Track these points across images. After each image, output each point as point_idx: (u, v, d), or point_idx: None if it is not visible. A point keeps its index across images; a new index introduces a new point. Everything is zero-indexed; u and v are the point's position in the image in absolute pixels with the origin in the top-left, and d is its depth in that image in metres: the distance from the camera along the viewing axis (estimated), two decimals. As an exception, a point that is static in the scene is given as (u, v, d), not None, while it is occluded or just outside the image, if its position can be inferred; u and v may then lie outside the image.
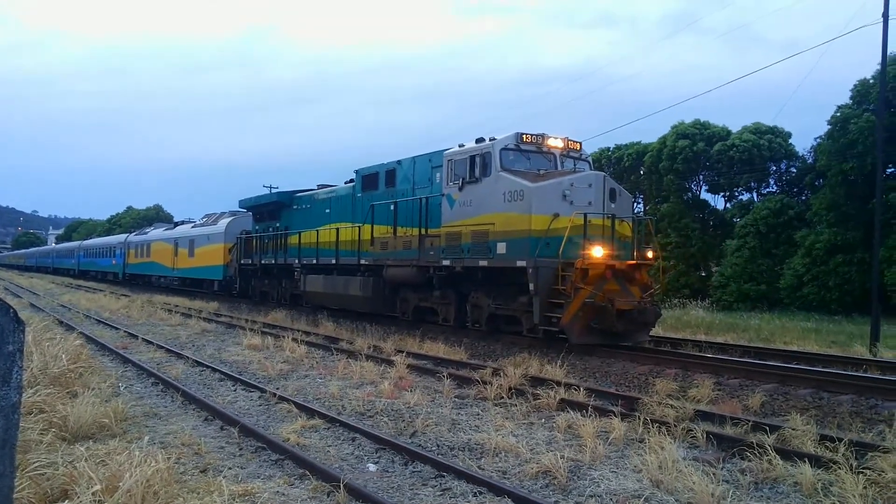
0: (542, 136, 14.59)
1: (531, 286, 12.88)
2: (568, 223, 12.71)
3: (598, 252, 12.96)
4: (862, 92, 27.48)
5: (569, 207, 13.09)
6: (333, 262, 19.88)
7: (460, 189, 14.83)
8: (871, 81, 27.06)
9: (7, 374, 2.71)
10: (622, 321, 12.67)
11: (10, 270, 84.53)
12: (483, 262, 14.12)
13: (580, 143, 15.21)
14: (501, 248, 13.75)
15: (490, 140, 14.37)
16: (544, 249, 12.91)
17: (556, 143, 14.70)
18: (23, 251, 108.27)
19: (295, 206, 23.79)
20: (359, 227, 18.59)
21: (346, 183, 20.84)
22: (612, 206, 13.62)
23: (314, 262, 21.12)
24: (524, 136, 14.35)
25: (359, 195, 19.25)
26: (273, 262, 24.31)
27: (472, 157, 14.60)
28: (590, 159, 15.68)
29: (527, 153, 14.41)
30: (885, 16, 16.44)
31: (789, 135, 35.11)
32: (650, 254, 14.00)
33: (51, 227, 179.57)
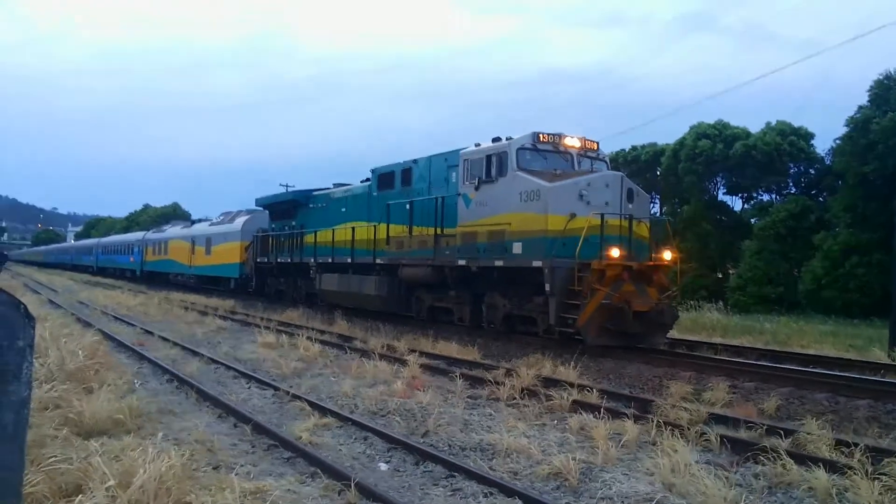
0: (559, 135, 14.52)
1: (547, 286, 12.84)
2: (585, 223, 12.65)
3: (615, 253, 12.87)
4: (880, 93, 27.05)
5: (585, 208, 13.03)
6: (349, 261, 19.93)
7: (476, 189, 14.81)
8: (885, 82, 26.66)
9: (17, 370, 2.73)
10: (639, 323, 12.61)
11: (30, 267, 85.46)
12: (499, 262, 14.09)
13: (597, 143, 15.12)
14: (517, 248, 13.71)
15: (507, 139, 14.33)
16: (560, 250, 12.85)
17: (572, 142, 14.62)
18: (42, 248, 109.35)
19: (311, 205, 23.87)
20: (374, 226, 18.63)
21: (361, 182, 20.88)
22: (630, 206, 13.52)
23: (330, 260, 21.18)
24: (541, 135, 14.30)
25: (375, 194, 19.28)
26: (289, 260, 24.40)
27: (489, 157, 14.57)
28: (607, 159, 15.60)
29: (543, 153, 14.36)
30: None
31: (812, 136, 34.69)
32: (668, 255, 13.85)
33: (70, 224, 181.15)
